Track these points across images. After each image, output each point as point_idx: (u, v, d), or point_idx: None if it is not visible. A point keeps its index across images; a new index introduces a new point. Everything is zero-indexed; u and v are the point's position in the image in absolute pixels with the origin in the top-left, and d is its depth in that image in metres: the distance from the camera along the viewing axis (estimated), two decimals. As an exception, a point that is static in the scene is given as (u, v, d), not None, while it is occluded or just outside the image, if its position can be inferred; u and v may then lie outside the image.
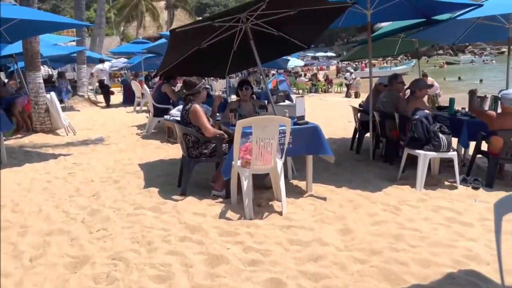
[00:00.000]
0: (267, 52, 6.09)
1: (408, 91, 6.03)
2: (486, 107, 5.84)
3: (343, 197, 4.65)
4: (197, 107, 4.54)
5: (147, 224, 3.84)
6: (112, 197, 4.66)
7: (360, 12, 6.14)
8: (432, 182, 5.10)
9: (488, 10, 5.43)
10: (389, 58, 38.29)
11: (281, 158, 4.19)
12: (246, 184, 3.96)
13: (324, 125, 10.79)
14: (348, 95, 23.06)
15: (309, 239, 3.49)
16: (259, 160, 3.97)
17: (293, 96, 16.64)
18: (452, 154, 4.92)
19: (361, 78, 25.47)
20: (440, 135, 4.85)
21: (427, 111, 5.09)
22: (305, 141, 4.48)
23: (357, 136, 7.09)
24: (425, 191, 4.83)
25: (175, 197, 4.57)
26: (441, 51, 58.88)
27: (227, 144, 4.60)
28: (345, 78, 23.92)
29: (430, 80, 16.40)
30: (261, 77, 28.22)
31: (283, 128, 4.14)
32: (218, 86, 17.40)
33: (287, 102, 13.40)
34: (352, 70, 26.01)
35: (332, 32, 65.86)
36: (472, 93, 5.57)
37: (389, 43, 8.04)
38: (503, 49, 57.25)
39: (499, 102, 5.00)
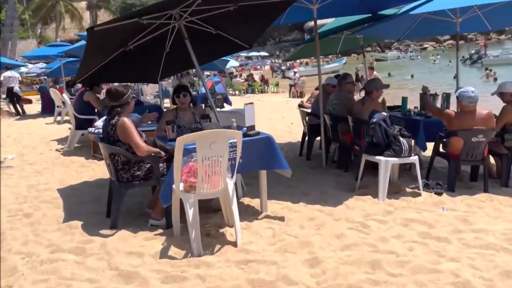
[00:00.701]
0: (204, 52, 5.47)
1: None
2: (438, 106, 5.63)
3: (302, 215, 4.13)
4: (126, 120, 3.79)
5: (66, 275, 3.04)
6: (22, 238, 3.76)
7: (305, 7, 5.70)
8: (393, 190, 4.75)
9: (436, 5, 5.19)
10: (321, 56, 39.13)
11: (232, 177, 3.58)
12: (191, 213, 3.29)
13: (268, 129, 10.39)
14: (293, 95, 22.83)
15: (273, 277, 2.91)
16: (206, 182, 3.32)
17: (231, 98, 16.15)
18: (414, 159, 4.60)
19: (301, 76, 25.42)
20: (401, 139, 4.50)
21: (384, 113, 4.74)
22: (257, 155, 3.90)
23: (306, 140, 6.66)
24: (388, 201, 4.46)
25: (103, 231, 3.78)
26: (369, 48, 61.34)
27: (164, 164, 3.90)
28: (290, 78, 23.62)
29: (376, 74, 16.64)
30: (199, 79, 27.45)
31: (234, 141, 3.54)
32: (149, 90, 16.37)
33: (227, 107, 12.84)
34: (296, 70, 25.78)
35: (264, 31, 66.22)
36: (424, 91, 5.33)
37: (332, 41, 7.73)
38: (425, 45, 61.05)
39: (457, 100, 4.77)
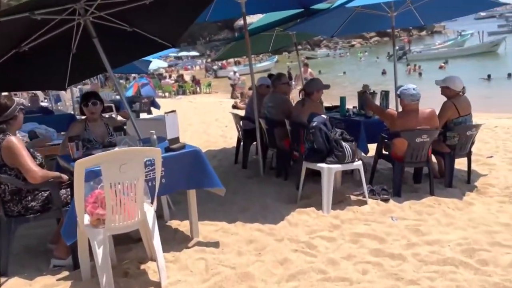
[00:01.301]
0: (120, 53, 4.79)
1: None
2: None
3: (240, 238, 3.63)
4: (13, 140, 3.04)
5: None
6: None
7: (233, 1, 5.20)
8: (338, 198, 4.40)
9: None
10: (253, 55, 38.97)
11: (152, 202, 2.98)
12: (101, 253, 2.66)
13: (200, 133, 9.81)
14: (233, 96, 22.04)
15: (207, 328, 2.37)
16: (118, 213, 2.70)
17: (159, 101, 15.28)
18: (358, 164, 4.27)
19: (220, 76, 24.80)
20: (343, 143, 4.15)
21: (324, 116, 4.36)
22: (183, 172, 3.33)
23: (241, 146, 6.17)
24: (334, 213, 4.09)
25: (-10, 281, 3.02)
26: (299, 46, 62.52)
27: (68, 189, 3.21)
28: (229, 78, 22.70)
29: (311, 71, 16.48)
30: (126, 82, 25.97)
31: (152, 159, 2.95)
32: (67, 96, 15.03)
33: (154, 111, 12.00)
34: (236, 69, 25.04)
35: (193, 30, 65.17)
36: (364, 89, 5.04)
37: (264, 39, 7.31)
38: (353, 42, 63.29)
39: (399, 99, 4.52)
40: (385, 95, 5.27)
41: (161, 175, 3.12)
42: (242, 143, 6.08)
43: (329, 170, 4.12)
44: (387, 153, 4.76)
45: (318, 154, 4.22)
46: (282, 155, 5.24)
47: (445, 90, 4.85)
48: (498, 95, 16.69)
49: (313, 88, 4.84)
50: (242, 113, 6.53)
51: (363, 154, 5.03)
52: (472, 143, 4.94)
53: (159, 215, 4.03)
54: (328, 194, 4.12)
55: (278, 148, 5.26)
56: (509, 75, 20.74)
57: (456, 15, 6.15)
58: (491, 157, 6.24)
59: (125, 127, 4.14)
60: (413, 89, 4.37)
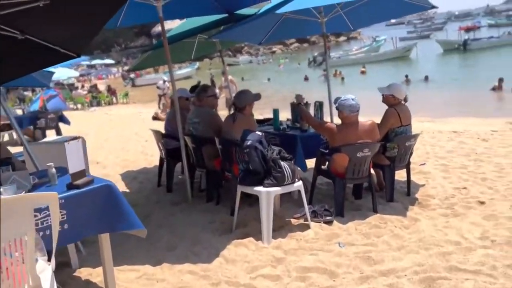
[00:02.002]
0: (11, 65, 4.02)
1: None
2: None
3: (168, 285, 3.08)
4: None
5: None
6: None
7: (148, 4, 4.64)
8: (277, 223, 4.01)
9: (299, 3, 4.62)
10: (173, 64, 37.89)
11: (50, 259, 2.34)
12: None
13: (118, 150, 8.96)
14: (163, 106, 20.61)
15: None
16: (2, 279, 2.04)
17: (71, 114, 13.99)
18: (299, 185, 3.91)
19: (138, 85, 23.48)
20: (282, 163, 3.76)
21: (259, 133, 3.95)
22: (92, 214, 2.72)
23: (164, 166, 5.58)
24: (275, 242, 3.67)
25: None
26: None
27: None
28: (158, 87, 21.20)
29: (231, 79, 16.04)
30: (33, 94, 23.65)
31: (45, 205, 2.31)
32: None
33: (64, 127, 10.85)
34: (165, 78, 23.44)
35: (106, 37, 62.45)
36: (298, 101, 4.71)
37: (185, 46, 6.77)
38: (274, 49, 64.48)
39: (338, 112, 4.25)
40: (319, 106, 5.01)
41: (62, 219, 2.50)
42: (165, 164, 5.48)
43: (268, 194, 3.71)
44: (326, 169, 4.47)
45: (254, 176, 3.80)
46: (212, 177, 4.75)
47: (389, 98, 4.70)
48: (418, 98, 17.65)
49: (245, 101, 4.41)
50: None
51: (301, 171, 4.70)
52: (411, 153, 4.83)
53: (65, 262, 3.36)
54: (268, 221, 3.70)
55: (207, 168, 4.76)
56: (426, 77, 22.04)
57: (384, 19, 6.10)
58: (423, 164, 6.25)
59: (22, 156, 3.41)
60: (352, 99, 4.12)
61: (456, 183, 5.18)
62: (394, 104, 4.62)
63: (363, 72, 28.52)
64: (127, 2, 4.86)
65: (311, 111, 5.22)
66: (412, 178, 5.38)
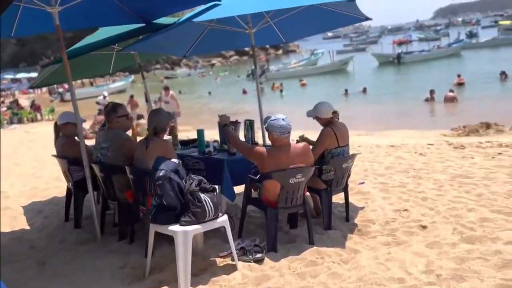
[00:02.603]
0: None
1: None
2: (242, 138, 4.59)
3: None
4: None
5: None
6: None
7: (42, 10, 3.97)
8: (199, 266, 3.48)
9: (221, 11, 4.17)
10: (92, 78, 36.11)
11: None
12: None
13: (28, 176, 7.99)
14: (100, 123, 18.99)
15: None
16: None
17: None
18: (223, 221, 3.41)
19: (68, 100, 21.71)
20: (202, 196, 3.25)
21: (176, 161, 3.42)
22: None
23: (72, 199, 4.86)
24: (195, 291, 3.14)
25: None
26: (158, 66, 60.96)
27: None
28: (98, 103, 19.19)
29: (173, 94, 15.17)
30: None
31: None
32: None
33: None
34: (106, 93, 21.64)
35: (33, 49, 59.17)
36: (224, 121, 4.21)
37: (103, 59, 6.10)
38: (213, 61, 64.12)
39: (268, 133, 3.80)
40: (249, 125, 4.55)
41: None
42: (73, 195, 4.77)
43: (185, 235, 3.17)
44: (257, 197, 4.01)
45: (169, 213, 3.25)
46: (124, 210, 4.12)
47: (318, 120, 4.35)
48: (357, 111, 17.92)
49: (163, 122, 3.84)
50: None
51: (229, 201, 4.21)
52: (348, 175, 4.50)
53: None
54: (185, 266, 3.16)
55: (119, 201, 4.13)
56: (364, 89, 22.53)
57: (318, 31, 5.82)
58: (362, 183, 6.01)
59: None
60: (283, 119, 3.70)
61: (396, 204, 4.94)
62: (330, 123, 4.28)
63: (303, 85, 28.82)
64: (21, 7, 4.22)
65: (241, 132, 4.77)
66: (351, 199, 5.08)
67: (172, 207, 3.23)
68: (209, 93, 29.89)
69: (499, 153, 7.26)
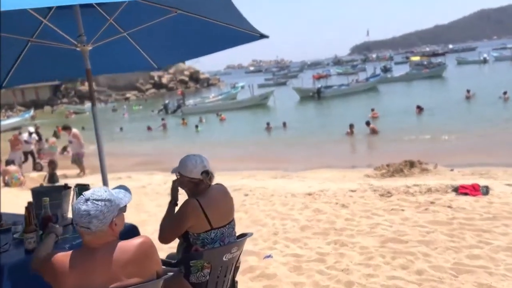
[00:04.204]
0: None
1: None
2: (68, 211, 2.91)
3: None
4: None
5: None
6: None
7: None
8: None
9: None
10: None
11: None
12: None
13: None
14: (37, 168, 14.79)
15: None
16: None
17: None
18: None
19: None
20: None
21: None
22: None
23: None
24: None
25: None
26: (65, 99, 57.01)
27: None
28: (26, 142, 15.22)
29: (76, 133, 12.96)
30: None
31: None
32: None
33: None
34: (32, 129, 17.53)
35: None
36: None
37: None
38: (128, 95, 61.27)
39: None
40: (78, 192, 2.92)
41: None
42: None
43: None
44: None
45: None
46: None
47: (181, 182, 2.80)
48: (275, 148, 16.86)
49: None
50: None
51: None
52: (236, 268, 2.96)
53: None
54: None
55: None
56: (284, 124, 21.82)
57: (204, 52, 4.35)
58: (269, 256, 4.58)
59: None
60: (86, 201, 2.05)
61: (312, 295, 3.52)
62: (198, 191, 2.73)
63: (222, 119, 27.66)
64: None
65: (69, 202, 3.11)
66: (250, 286, 3.60)
67: None
68: (121, 129, 27.75)
69: (431, 202, 6.24)
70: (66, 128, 13.32)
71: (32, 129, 17.47)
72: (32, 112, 38.15)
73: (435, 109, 21.93)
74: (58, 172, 11.99)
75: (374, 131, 17.11)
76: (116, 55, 4.17)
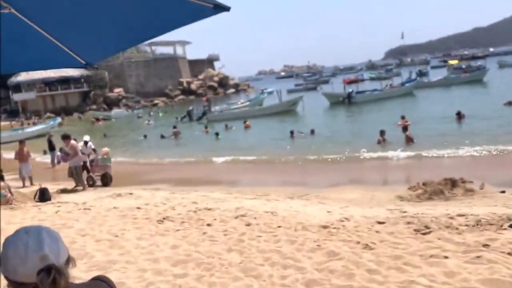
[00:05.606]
0: None
1: None
2: None
3: None
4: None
5: None
6: None
7: None
8: None
9: None
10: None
11: None
12: None
13: None
14: (88, 181, 12.75)
15: None
16: None
17: None
18: None
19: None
20: None
21: None
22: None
23: None
24: None
25: None
26: (94, 106, 57.21)
27: None
28: (83, 153, 13.10)
29: (72, 144, 11.87)
30: None
31: None
32: None
33: None
34: (87, 138, 14.50)
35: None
36: None
37: None
38: (156, 101, 60.87)
39: None
40: None
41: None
42: None
43: None
44: None
45: None
46: None
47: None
48: (300, 160, 15.32)
49: None
50: None
51: None
52: None
53: None
54: None
55: None
56: (312, 131, 20.43)
57: (137, 40, 3.02)
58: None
59: None
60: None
61: None
62: None
63: (247, 127, 26.33)
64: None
65: None
66: None
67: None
68: (145, 136, 26.60)
69: (484, 246, 4.70)
70: (65, 137, 12.25)
71: (87, 137, 14.42)
72: (59, 119, 38.00)
73: (476, 116, 19.88)
74: (53, 188, 10.94)
75: (409, 140, 15.31)
76: (31, 51, 2.99)
